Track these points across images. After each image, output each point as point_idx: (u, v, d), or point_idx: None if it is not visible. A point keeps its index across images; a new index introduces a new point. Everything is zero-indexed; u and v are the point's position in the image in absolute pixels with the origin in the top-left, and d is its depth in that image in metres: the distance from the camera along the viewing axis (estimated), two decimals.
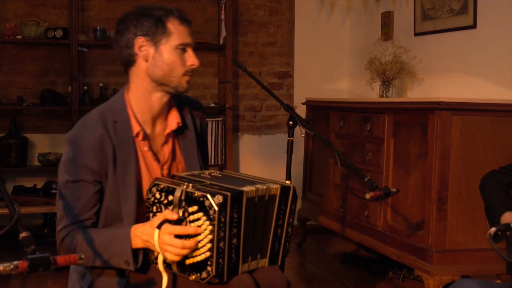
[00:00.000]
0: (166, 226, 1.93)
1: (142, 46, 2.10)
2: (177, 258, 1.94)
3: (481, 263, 3.50)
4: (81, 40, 4.95)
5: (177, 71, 2.12)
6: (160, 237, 1.93)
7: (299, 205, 5.25)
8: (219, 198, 1.88)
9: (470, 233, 3.49)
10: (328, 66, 5.81)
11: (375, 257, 4.61)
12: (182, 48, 2.12)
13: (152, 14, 2.10)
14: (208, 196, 1.89)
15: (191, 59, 2.14)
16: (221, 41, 5.30)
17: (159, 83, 2.13)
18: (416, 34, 4.76)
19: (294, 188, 2.15)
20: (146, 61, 2.11)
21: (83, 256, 1.49)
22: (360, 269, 4.49)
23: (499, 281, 3.29)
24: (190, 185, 1.95)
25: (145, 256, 2.05)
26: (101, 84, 5.06)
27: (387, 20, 5.15)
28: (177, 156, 2.26)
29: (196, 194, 1.91)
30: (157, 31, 2.09)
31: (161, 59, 2.10)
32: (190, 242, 1.91)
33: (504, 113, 3.55)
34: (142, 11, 2.12)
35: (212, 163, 5.20)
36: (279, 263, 2.16)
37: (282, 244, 2.15)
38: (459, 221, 3.49)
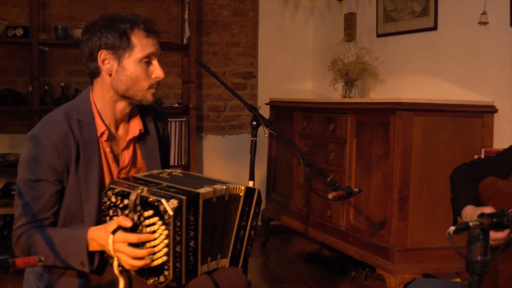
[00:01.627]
0: (119, 234, 1.91)
1: (105, 60, 2.08)
2: (129, 267, 1.93)
3: (442, 262, 3.55)
4: (42, 39, 4.87)
5: (141, 85, 2.10)
6: (114, 244, 1.92)
7: (262, 205, 5.25)
8: (174, 203, 1.86)
9: (431, 232, 3.54)
10: (292, 67, 5.82)
11: (338, 256, 4.64)
12: (147, 61, 2.10)
13: (117, 27, 2.06)
14: (163, 201, 1.86)
15: (156, 71, 2.11)
16: (185, 41, 5.28)
17: (124, 96, 2.12)
18: (378, 35, 4.81)
19: (259, 191, 2.14)
20: (110, 75, 2.09)
21: (42, 258, 1.47)
22: (323, 269, 4.51)
23: (459, 279, 3.34)
24: (145, 189, 1.93)
25: (103, 257, 2.03)
26: (62, 84, 4.99)
27: (350, 21, 5.19)
28: (138, 162, 2.25)
29: (151, 199, 1.89)
30: (120, 45, 2.05)
31: (124, 74, 2.08)
32: (142, 252, 1.89)
33: (464, 113, 3.61)
34: (107, 22, 2.08)
35: (176, 164, 5.17)
36: (240, 265, 2.15)
37: (244, 246, 2.14)
38: (420, 220, 3.53)
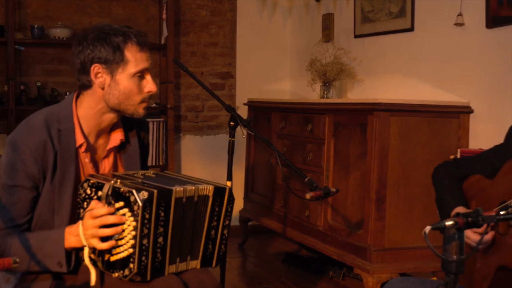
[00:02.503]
0: (87, 215, 1.93)
1: (98, 73, 2.07)
2: (97, 241, 1.93)
3: (419, 261, 3.57)
4: (18, 39, 4.82)
5: (133, 99, 2.10)
6: (83, 225, 1.93)
7: (241, 205, 5.25)
8: (144, 194, 1.88)
9: (408, 231, 3.56)
10: (270, 67, 5.83)
11: (316, 256, 4.65)
12: (140, 75, 2.10)
13: (110, 40, 2.05)
14: (134, 191, 1.88)
15: (149, 85, 2.12)
16: (163, 41, 5.25)
17: (114, 109, 2.12)
18: (356, 36, 4.83)
19: (230, 189, 2.14)
20: (102, 88, 2.08)
21: (17, 260, 1.46)
22: (301, 269, 4.52)
23: (435, 278, 3.37)
24: (118, 181, 1.95)
25: (78, 258, 2.03)
26: (38, 84, 4.95)
27: (328, 22, 5.20)
28: (119, 171, 2.25)
29: (122, 190, 1.91)
30: (114, 60, 2.05)
31: (117, 88, 2.08)
32: (111, 230, 1.91)
33: (440, 114, 3.64)
34: (99, 35, 2.07)
35: (154, 164, 5.15)
36: (213, 266, 2.15)
37: (216, 246, 2.14)
38: (397, 220, 3.55)
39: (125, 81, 2.07)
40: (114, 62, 2.05)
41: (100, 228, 1.91)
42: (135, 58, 2.07)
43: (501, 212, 1.48)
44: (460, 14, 3.72)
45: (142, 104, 2.13)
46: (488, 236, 2.06)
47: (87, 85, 2.11)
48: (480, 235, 2.08)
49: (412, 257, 3.57)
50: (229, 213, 2.14)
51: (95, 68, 2.06)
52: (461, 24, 3.73)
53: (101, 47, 2.05)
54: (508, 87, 3.41)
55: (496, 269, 2.01)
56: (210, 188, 2.08)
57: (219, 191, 2.11)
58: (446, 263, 1.44)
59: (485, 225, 1.48)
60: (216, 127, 5.71)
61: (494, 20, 3.49)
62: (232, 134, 2.72)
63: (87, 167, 2.14)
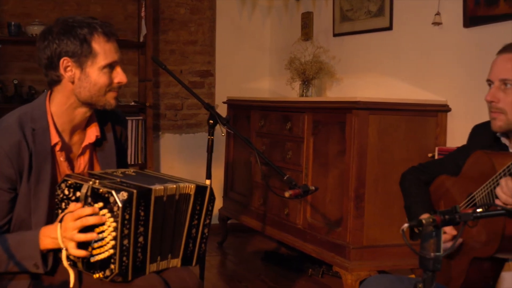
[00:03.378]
0: (67, 218, 1.91)
1: (67, 67, 2.04)
2: (74, 245, 1.91)
3: (397, 259, 3.59)
4: None
5: (104, 90, 2.08)
6: (62, 228, 1.91)
7: (220, 203, 5.25)
8: (124, 195, 1.87)
9: (386, 229, 3.58)
10: (249, 65, 5.83)
11: (295, 254, 4.66)
12: (110, 68, 2.08)
13: (76, 33, 2.02)
14: (113, 192, 1.87)
15: (119, 76, 2.11)
16: (141, 39, 5.23)
17: (86, 103, 2.10)
18: (335, 35, 4.85)
19: (211, 188, 2.14)
20: (72, 82, 2.06)
21: None
22: (280, 267, 4.53)
23: (413, 276, 3.40)
24: (97, 181, 1.93)
25: (57, 258, 2.01)
26: (15, 81, 4.90)
27: (307, 20, 5.22)
28: (95, 168, 2.23)
29: (101, 191, 1.89)
30: (82, 53, 2.03)
31: (88, 81, 2.06)
32: (91, 235, 1.89)
33: (418, 112, 3.67)
34: (64, 28, 2.04)
35: (133, 163, 5.12)
36: (193, 264, 2.15)
37: (197, 245, 2.14)
38: (376, 218, 3.57)
39: (95, 74, 2.05)
40: (82, 55, 2.03)
41: (78, 233, 1.89)
42: (104, 50, 2.05)
43: (478, 210, 1.49)
44: (438, 14, 3.74)
45: (112, 93, 2.11)
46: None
47: (56, 81, 2.08)
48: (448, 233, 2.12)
49: (391, 255, 3.59)
50: (209, 212, 2.14)
51: (64, 61, 2.03)
52: (439, 24, 3.76)
53: (67, 41, 2.02)
54: (485, 85, 3.41)
55: (469, 263, 2.03)
56: (192, 186, 2.07)
57: (201, 190, 2.10)
58: (423, 260, 1.45)
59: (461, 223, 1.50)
60: (195, 125, 5.70)
61: (471, 19, 3.52)
62: (211, 133, 2.71)
63: (62, 165, 2.12)
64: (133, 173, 2.15)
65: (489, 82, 2.13)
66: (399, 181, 2.52)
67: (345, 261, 3.55)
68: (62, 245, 1.92)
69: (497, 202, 1.90)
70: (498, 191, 1.89)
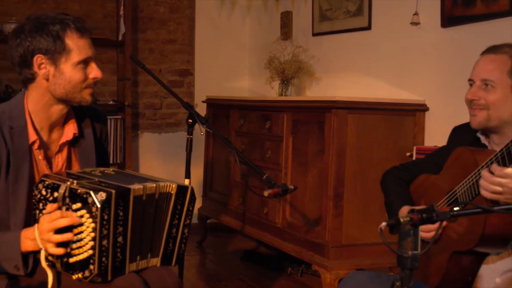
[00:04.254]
0: (43, 219, 1.90)
1: (41, 64, 2.03)
2: (52, 245, 1.90)
3: (376, 257, 3.61)
4: None
5: (79, 86, 2.07)
6: (38, 229, 1.90)
7: (199, 203, 5.24)
8: (102, 195, 1.86)
9: (365, 228, 3.60)
10: (228, 65, 5.82)
11: (275, 253, 4.67)
12: (84, 64, 2.06)
13: (49, 30, 2.00)
14: (91, 193, 1.86)
15: (94, 72, 2.09)
16: (120, 38, 5.20)
17: (61, 100, 2.08)
18: (314, 34, 4.86)
19: (192, 189, 2.14)
20: (47, 80, 2.04)
21: None
22: (260, 266, 4.53)
23: (392, 273, 3.42)
24: (75, 181, 1.92)
25: (36, 259, 1.99)
26: None
27: (286, 20, 5.22)
28: (74, 166, 2.21)
29: (79, 191, 1.88)
30: (56, 49, 2.01)
31: (62, 78, 2.04)
32: (67, 235, 1.88)
33: (396, 112, 3.69)
34: (36, 25, 2.02)
35: (112, 162, 5.09)
36: (173, 264, 2.15)
37: (177, 244, 2.13)
38: (355, 217, 3.59)
39: (69, 70, 2.04)
40: (56, 52, 2.01)
41: (55, 234, 1.88)
42: (77, 47, 2.04)
43: (455, 208, 1.50)
44: (416, 14, 3.77)
45: (87, 89, 2.09)
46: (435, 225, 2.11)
47: (31, 78, 2.07)
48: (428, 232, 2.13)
49: (369, 253, 3.61)
50: (190, 212, 2.14)
51: (38, 59, 2.02)
52: (417, 23, 3.79)
53: (40, 38, 2.01)
54: (463, 85, 3.44)
55: (449, 258, 2.05)
56: (174, 186, 2.07)
57: (182, 189, 2.10)
58: (401, 259, 1.46)
59: (438, 223, 1.51)
60: (175, 124, 5.68)
61: (449, 19, 3.55)
62: (190, 132, 2.70)
63: (40, 164, 2.10)
64: (113, 172, 2.13)
65: (471, 81, 2.16)
66: (380, 180, 2.54)
67: (324, 260, 3.56)
68: (41, 246, 1.91)
69: (482, 192, 1.91)
70: (482, 181, 1.91)
